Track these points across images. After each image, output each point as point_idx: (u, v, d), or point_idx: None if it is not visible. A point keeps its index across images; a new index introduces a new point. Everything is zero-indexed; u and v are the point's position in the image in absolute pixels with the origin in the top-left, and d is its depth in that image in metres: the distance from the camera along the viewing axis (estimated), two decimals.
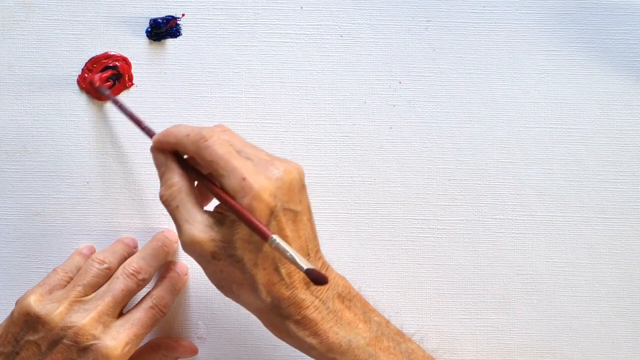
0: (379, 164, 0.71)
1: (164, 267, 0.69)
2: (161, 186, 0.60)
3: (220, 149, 0.58)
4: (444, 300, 0.72)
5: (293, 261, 0.55)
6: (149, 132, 0.65)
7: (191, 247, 0.58)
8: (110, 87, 0.70)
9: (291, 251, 0.55)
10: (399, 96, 0.71)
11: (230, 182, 0.57)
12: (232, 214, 0.57)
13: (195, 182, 0.62)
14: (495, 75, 0.71)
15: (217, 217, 0.59)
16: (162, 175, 0.61)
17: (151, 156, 0.62)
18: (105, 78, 0.70)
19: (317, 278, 0.55)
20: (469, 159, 0.71)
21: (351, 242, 0.71)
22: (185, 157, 0.62)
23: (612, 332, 0.71)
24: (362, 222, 0.71)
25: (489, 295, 0.71)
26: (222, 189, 0.58)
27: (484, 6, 0.71)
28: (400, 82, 0.71)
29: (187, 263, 0.70)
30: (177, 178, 0.60)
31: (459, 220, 0.71)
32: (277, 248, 0.55)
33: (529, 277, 0.71)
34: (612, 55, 0.71)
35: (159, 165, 0.61)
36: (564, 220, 0.71)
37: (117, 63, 0.70)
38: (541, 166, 0.71)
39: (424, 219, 0.71)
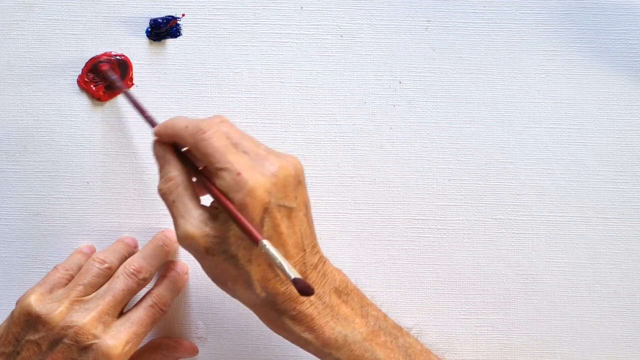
0: (379, 164, 0.71)
1: (165, 266, 0.69)
2: (160, 179, 0.60)
3: (217, 142, 0.58)
4: (444, 300, 0.72)
5: (281, 269, 0.55)
6: (151, 122, 0.65)
7: (185, 241, 0.58)
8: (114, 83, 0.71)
9: (280, 259, 0.55)
10: (399, 96, 0.71)
11: (225, 177, 0.57)
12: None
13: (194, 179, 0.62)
14: (495, 75, 0.71)
15: (213, 212, 0.59)
16: (161, 169, 0.61)
17: (152, 152, 0.62)
18: (113, 64, 0.70)
19: (303, 288, 0.55)
20: (469, 159, 0.71)
21: (351, 242, 0.71)
22: (183, 150, 0.62)
23: (612, 332, 0.72)
24: (362, 222, 0.71)
25: (489, 295, 0.71)
26: (217, 183, 0.58)
27: (484, 6, 0.71)
28: (400, 82, 0.71)
29: (188, 263, 0.70)
30: (175, 172, 0.60)
31: (459, 220, 0.71)
32: (267, 254, 0.55)
33: (529, 277, 0.71)
34: (612, 55, 0.71)
35: (158, 158, 0.61)
36: (564, 220, 0.71)
37: (120, 60, 0.71)
38: (541, 166, 0.71)
39: (424, 219, 0.71)
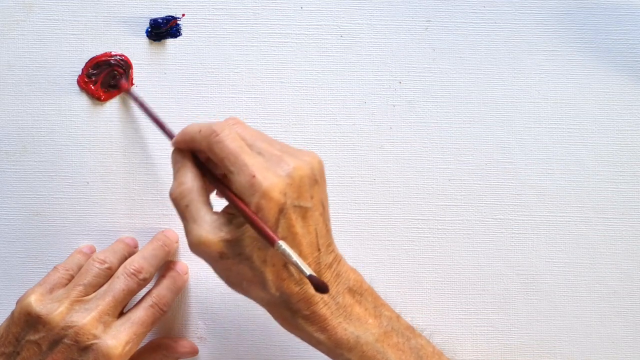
0: (379, 164, 0.71)
1: (164, 266, 0.69)
2: (173, 184, 0.60)
3: (231, 143, 0.57)
4: (444, 300, 0.72)
5: (297, 267, 0.55)
6: (171, 136, 0.65)
7: (198, 247, 0.58)
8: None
9: (295, 257, 0.55)
10: (399, 96, 0.71)
11: (240, 180, 0.56)
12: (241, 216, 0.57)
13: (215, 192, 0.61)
14: (495, 75, 0.71)
15: (226, 217, 0.58)
16: (175, 173, 0.60)
17: (162, 158, 0.62)
18: (130, 81, 0.70)
19: (318, 285, 0.55)
20: (469, 159, 0.71)
21: (351, 242, 0.71)
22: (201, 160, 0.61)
23: (612, 332, 0.72)
24: (362, 222, 0.71)
25: (489, 295, 0.71)
26: (232, 185, 0.58)
27: (484, 6, 0.71)
28: (400, 82, 0.71)
29: (188, 263, 0.70)
30: (190, 176, 0.59)
31: (459, 220, 0.71)
32: (283, 254, 0.55)
33: (529, 277, 0.71)
34: (612, 55, 0.71)
35: (174, 164, 0.61)
36: (564, 220, 0.71)
37: (120, 66, 0.71)
38: (541, 166, 0.71)
39: (424, 219, 0.71)
